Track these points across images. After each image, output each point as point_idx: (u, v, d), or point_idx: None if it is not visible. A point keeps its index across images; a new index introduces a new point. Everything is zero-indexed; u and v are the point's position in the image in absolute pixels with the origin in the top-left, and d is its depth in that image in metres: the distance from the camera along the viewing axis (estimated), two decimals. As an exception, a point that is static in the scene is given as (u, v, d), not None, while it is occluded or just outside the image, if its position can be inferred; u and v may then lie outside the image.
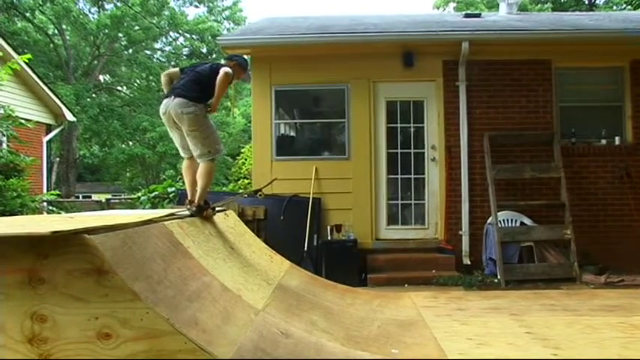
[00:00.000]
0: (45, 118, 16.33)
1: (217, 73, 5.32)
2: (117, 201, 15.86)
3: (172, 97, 5.26)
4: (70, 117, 17.34)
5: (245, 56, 6.14)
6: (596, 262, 8.50)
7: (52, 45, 30.03)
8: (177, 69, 5.78)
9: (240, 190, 10.91)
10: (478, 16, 12.78)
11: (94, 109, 28.34)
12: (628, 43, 9.09)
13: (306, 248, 8.52)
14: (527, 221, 8.72)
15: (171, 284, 3.32)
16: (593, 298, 6.32)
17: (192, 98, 5.22)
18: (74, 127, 26.31)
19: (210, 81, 5.33)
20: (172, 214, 4.73)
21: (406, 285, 7.92)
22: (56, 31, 30.46)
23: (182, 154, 5.65)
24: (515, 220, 8.76)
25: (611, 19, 11.81)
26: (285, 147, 9.49)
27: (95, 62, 31.62)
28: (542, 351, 4.12)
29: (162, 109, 5.37)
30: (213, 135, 5.43)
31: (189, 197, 5.54)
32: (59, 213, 10.67)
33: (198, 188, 5.40)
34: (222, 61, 5.74)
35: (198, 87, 5.32)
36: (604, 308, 5.65)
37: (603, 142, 9.30)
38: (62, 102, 17.18)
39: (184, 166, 5.67)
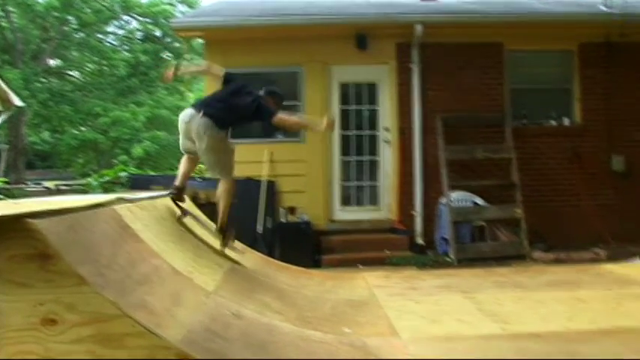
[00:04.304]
0: (-10, 104, 15.82)
1: (254, 109, 5.24)
2: (67, 187, 15.51)
3: (200, 112, 5.13)
4: (18, 102, 16.84)
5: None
6: (546, 240, 8.72)
7: (-3, 28, 29.09)
8: (223, 72, 5.68)
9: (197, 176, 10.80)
10: (433, -2, 12.81)
11: (43, 94, 27.58)
12: (576, 27, 9.27)
13: (260, 231, 8.50)
14: (480, 201, 8.86)
15: (119, 268, 3.27)
16: (542, 274, 6.49)
17: (219, 125, 5.13)
18: (23, 112, 25.60)
19: (244, 113, 5.29)
20: (122, 198, 4.65)
21: (360, 265, 7.97)
22: (2, 13, 29.50)
23: (184, 153, 5.51)
24: (468, 201, 8.88)
25: (561, 3, 11.98)
26: (238, 130, 9.38)
27: (44, 46, 30.75)
28: (491, 326, 4.21)
29: (184, 117, 5.24)
30: (227, 162, 5.36)
31: (177, 183, 5.43)
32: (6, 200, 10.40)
33: (219, 210, 5.38)
34: (261, 92, 5.54)
35: (231, 116, 5.25)
36: (552, 284, 5.81)
37: (553, 123, 9.52)
38: (9, 87, 16.68)
39: (184, 158, 5.53)
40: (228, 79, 5.61)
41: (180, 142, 5.41)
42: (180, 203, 5.44)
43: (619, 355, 3.51)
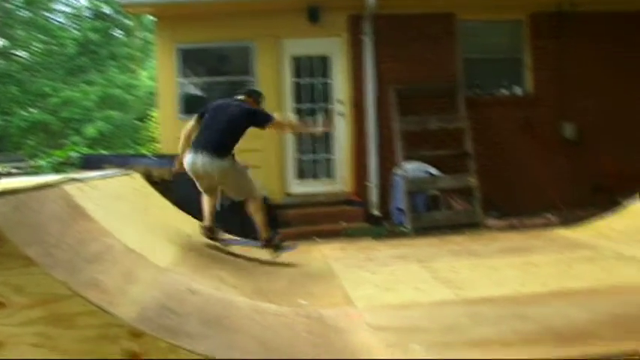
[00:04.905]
0: None
1: (246, 113, 5.42)
2: (18, 170, 15.12)
3: (201, 153, 5.22)
4: (-38, 84, 16.34)
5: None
6: (499, 207, 8.84)
7: (-64, 7, 27.99)
8: (194, 122, 5.65)
9: (147, 153, 10.64)
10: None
11: (-11, 75, 26.80)
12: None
13: (217, 208, 8.40)
14: (434, 171, 8.89)
15: (68, 247, 3.22)
16: (496, 241, 6.64)
17: (220, 154, 5.23)
18: (-32, 95, 24.84)
19: (237, 122, 5.39)
20: (73, 178, 4.56)
21: (316, 238, 7.95)
22: (-60, -8, 28.38)
23: (205, 194, 5.71)
24: (422, 171, 8.93)
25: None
26: (190, 106, 9.21)
27: (-13, 25, 29.76)
28: (445, 292, 4.31)
29: (190, 161, 5.31)
30: (246, 181, 5.60)
31: (206, 224, 5.67)
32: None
33: (258, 225, 5.63)
34: (240, 97, 5.72)
35: (227, 137, 5.35)
36: (505, 250, 5.95)
37: (506, 93, 9.64)
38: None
39: (204, 198, 5.74)
40: (202, 114, 5.65)
41: (198, 184, 5.59)
42: (216, 236, 5.72)
43: (568, 315, 3.62)
